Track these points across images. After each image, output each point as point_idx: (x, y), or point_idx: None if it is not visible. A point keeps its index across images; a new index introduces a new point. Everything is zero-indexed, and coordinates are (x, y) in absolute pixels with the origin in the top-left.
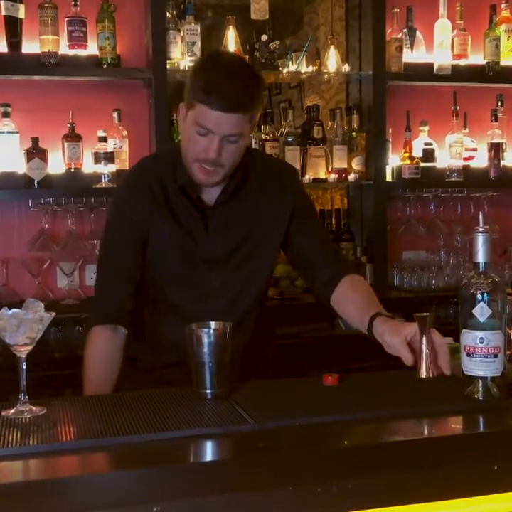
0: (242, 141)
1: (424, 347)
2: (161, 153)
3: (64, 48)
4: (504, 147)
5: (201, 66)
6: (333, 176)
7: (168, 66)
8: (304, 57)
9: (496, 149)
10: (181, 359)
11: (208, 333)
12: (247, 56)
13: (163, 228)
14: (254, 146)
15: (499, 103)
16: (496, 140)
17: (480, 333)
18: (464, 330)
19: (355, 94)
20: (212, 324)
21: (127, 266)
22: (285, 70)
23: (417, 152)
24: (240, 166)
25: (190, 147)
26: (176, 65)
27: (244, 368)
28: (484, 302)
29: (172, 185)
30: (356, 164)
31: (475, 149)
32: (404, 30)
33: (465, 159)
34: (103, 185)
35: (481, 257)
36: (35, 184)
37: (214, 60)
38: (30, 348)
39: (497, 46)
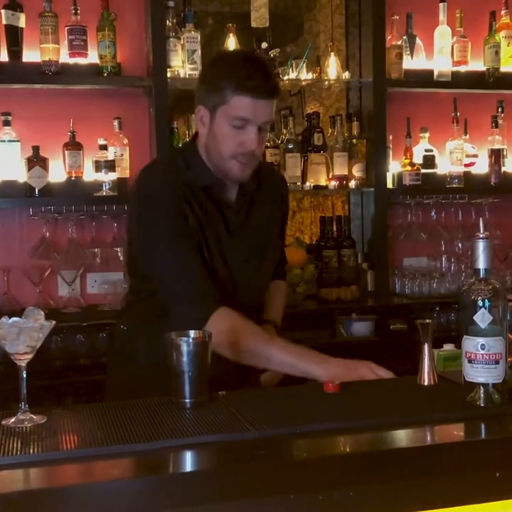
0: (268, 131)
1: (425, 354)
2: (173, 157)
3: (64, 57)
4: (505, 153)
5: (227, 63)
6: (333, 183)
7: (168, 74)
8: (304, 65)
9: (496, 155)
10: None
11: (187, 342)
12: None
13: (196, 229)
14: None
15: (499, 109)
16: (497, 146)
17: (481, 340)
18: (465, 336)
19: (355, 101)
20: (192, 333)
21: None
22: (285, 78)
23: (418, 159)
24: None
25: (224, 144)
26: (177, 73)
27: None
28: (485, 308)
29: (195, 186)
30: (357, 171)
31: (475, 155)
32: (404, 37)
33: (466, 165)
34: (104, 194)
35: (481, 263)
36: (36, 192)
37: (240, 57)
38: (30, 356)
39: (497, 52)
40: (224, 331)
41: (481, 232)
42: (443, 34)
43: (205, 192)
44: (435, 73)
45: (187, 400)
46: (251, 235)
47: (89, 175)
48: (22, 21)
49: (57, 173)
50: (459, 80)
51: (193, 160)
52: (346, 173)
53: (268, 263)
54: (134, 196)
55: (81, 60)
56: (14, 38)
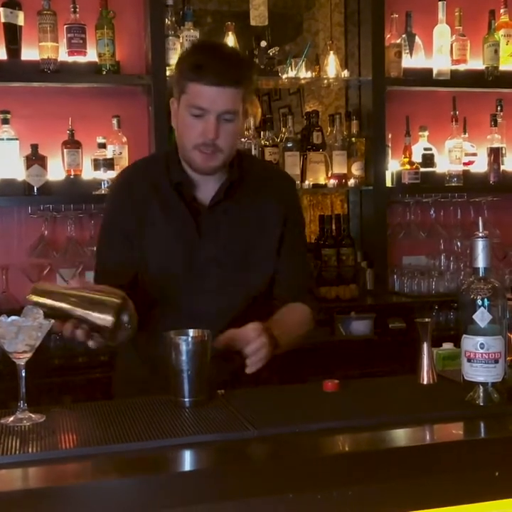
0: (236, 122)
1: (424, 353)
2: (155, 155)
3: (63, 55)
4: (504, 152)
5: (188, 51)
6: (332, 182)
7: (167, 72)
8: (303, 63)
9: (495, 154)
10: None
11: (186, 341)
12: None
13: (155, 230)
14: (253, 152)
15: (498, 108)
16: (496, 145)
17: (480, 339)
18: (464, 335)
19: (354, 100)
20: (191, 332)
21: (116, 268)
22: (284, 76)
23: (417, 157)
24: (234, 162)
25: (186, 134)
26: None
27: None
28: (484, 307)
29: (166, 185)
30: (356, 169)
31: (475, 154)
32: (404, 35)
33: (465, 164)
34: (103, 192)
35: (480, 262)
36: (35, 191)
37: (201, 44)
38: (29, 355)
39: (496, 51)
40: None
41: (480, 230)
42: (442, 33)
43: (177, 190)
44: (434, 72)
45: (186, 399)
46: (228, 238)
47: (88, 173)
48: (21, 19)
49: (55, 171)
50: (458, 79)
51: (172, 159)
52: (345, 171)
53: (247, 273)
54: None
55: (80, 59)
56: (13, 36)
